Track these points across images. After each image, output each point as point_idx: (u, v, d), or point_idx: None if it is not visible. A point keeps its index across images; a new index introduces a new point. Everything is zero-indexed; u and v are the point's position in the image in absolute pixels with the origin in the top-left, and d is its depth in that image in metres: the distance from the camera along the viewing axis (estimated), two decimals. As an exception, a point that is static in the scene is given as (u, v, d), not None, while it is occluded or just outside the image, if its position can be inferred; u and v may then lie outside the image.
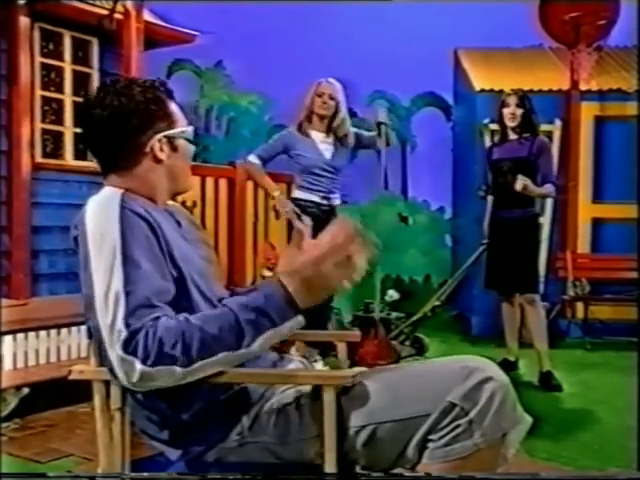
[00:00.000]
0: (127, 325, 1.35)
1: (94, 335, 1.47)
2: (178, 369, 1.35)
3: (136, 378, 1.35)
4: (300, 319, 1.42)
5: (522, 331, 4.97)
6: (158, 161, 1.64)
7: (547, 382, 4.48)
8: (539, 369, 4.56)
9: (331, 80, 4.40)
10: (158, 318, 1.37)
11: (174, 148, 1.67)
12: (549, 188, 4.53)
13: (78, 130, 5.50)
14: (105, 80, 1.75)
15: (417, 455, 1.44)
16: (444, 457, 1.41)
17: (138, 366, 1.34)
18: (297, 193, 4.45)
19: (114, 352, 1.36)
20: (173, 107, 1.69)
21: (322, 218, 4.25)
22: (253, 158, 4.45)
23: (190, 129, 1.72)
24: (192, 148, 1.73)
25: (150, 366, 1.34)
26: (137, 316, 1.36)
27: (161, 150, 1.64)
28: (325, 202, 4.38)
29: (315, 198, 4.37)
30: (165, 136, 1.64)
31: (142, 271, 1.42)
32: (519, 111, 4.50)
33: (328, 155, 4.39)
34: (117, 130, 1.60)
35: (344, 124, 4.40)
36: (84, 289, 1.50)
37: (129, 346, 1.34)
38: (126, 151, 1.62)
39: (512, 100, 4.52)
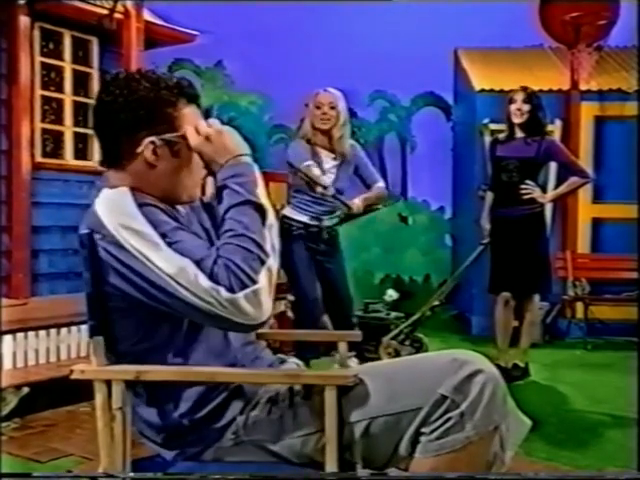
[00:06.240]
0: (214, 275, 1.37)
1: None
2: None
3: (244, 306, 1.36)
4: None
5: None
6: (151, 166, 1.54)
7: (518, 374, 4.50)
8: (514, 363, 4.58)
9: (330, 89, 4.03)
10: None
11: (175, 154, 1.54)
12: (573, 180, 4.59)
13: (78, 129, 5.58)
14: (128, 69, 1.71)
15: (410, 450, 1.45)
16: (436, 450, 1.41)
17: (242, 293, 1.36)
18: (287, 211, 4.13)
19: (221, 304, 1.35)
20: (185, 111, 1.56)
21: (309, 240, 4.03)
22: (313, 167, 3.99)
23: None
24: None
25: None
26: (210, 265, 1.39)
27: (154, 154, 1.53)
28: (314, 223, 4.04)
29: (305, 219, 4.04)
30: (162, 139, 1.53)
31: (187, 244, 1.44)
32: (526, 107, 4.43)
33: (332, 177, 4.02)
34: (113, 120, 1.54)
35: (345, 135, 4.04)
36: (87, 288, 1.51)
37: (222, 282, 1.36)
38: (120, 146, 1.55)
39: (519, 96, 4.46)
